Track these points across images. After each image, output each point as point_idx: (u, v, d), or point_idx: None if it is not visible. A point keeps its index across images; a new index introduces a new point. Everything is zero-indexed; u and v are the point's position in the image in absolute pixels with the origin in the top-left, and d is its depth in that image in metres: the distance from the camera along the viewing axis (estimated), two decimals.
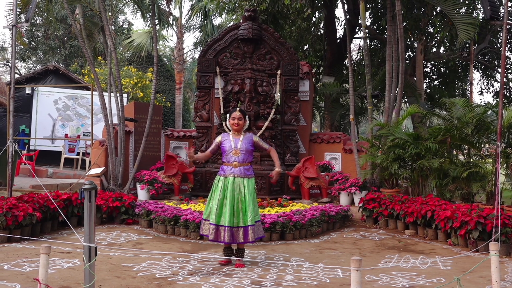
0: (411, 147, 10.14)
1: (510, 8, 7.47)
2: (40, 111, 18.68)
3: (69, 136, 18.65)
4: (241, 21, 13.05)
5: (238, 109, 6.27)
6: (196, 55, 29.60)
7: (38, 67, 28.00)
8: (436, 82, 21.04)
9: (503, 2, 12.47)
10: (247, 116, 6.33)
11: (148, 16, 16.22)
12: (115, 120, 12.09)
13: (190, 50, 35.11)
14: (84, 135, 18.83)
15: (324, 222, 8.61)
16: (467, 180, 9.30)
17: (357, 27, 17.89)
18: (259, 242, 7.56)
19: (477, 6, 16.07)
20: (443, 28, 14.60)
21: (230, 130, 6.42)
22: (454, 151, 11.04)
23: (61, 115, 19.03)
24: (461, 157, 10.92)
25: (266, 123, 11.86)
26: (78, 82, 19.75)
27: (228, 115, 6.36)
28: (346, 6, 14.69)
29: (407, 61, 16.78)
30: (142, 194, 11.39)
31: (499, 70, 19.23)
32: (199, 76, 12.63)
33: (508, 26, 15.27)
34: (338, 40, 18.49)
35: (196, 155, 6.72)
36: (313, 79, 15.14)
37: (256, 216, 6.10)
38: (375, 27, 18.21)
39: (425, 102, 17.86)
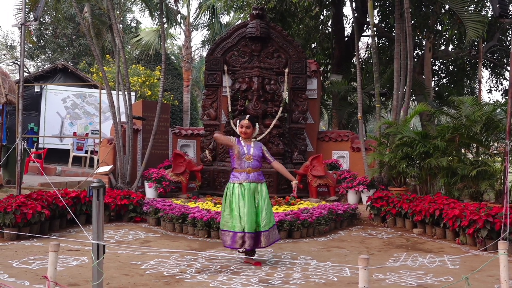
0: (419, 146, 10.10)
1: None
2: (49, 109, 18.75)
3: (77, 134, 18.71)
4: (249, 19, 13.06)
5: (247, 116, 6.27)
6: (204, 54, 29.60)
7: (46, 66, 28.10)
8: (444, 80, 20.94)
9: None
10: (256, 124, 6.33)
11: (156, 14, 16.25)
12: (123, 118, 12.12)
13: (198, 49, 35.11)
14: (92, 133, 18.89)
15: (332, 221, 8.61)
16: (475, 178, 9.25)
17: (365, 25, 17.82)
18: None
19: (486, 3, 15.96)
20: (452, 26, 14.52)
21: (239, 134, 6.38)
22: (462, 149, 10.98)
23: (70, 114, 19.10)
24: (470, 156, 10.87)
25: (274, 122, 11.86)
26: (87, 80, 19.81)
27: (237, 121, 6.36)
28: (354, 4, 14.63)
29: (415, 59, 16.70)
30: (150, 192, 11.41)
31: (508, 68, 19.12)
32: (207, 75, 12.64)
33: None
34: (346, 38, 18.44)
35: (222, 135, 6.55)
36: (321, 77, 15.12)
37: (270, 222, 6.07)
38: (383, 25, 18.13)
39: (434, 100, 17.79)
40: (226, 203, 6.08)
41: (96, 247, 3.88)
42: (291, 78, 12.37)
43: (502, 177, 8.67)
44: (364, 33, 19.11)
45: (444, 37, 17.64)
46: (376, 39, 14.18)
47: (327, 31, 18.42)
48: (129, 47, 26.50)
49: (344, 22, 18.82)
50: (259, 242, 6.00)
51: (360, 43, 20.23)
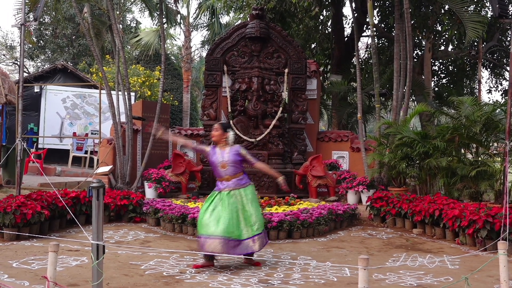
0: (419, 146, 10.10)
1: None
2: (49, 109, 18.75)
3: (77, 135, 18.71)
4: (248, 19, 13.06)
5: (219, 122, 6.18)
6: (204, 54, 29.57)
7: (46, 66, 28.09)
8: (444, 81, 20.94)
9: None
10: (228, 129, 6.16)
11: (156, 14, 16.26)
12: (123, 118, 12.13)
13: (197, 49, 35.10)
14: (92, 133, 18.89)
15: (332, 221, 8.61)
16: (475, 179, 9.25)
17: (365, 26, 17.82)
18: None
19: (486, 4, 15.96)
20: (452, 26, 14.52)
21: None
22: (462, 149, 10.98)
23: (69, 114, 19.10)
24: (469, 156, 10.87)
25: (274, 122, 11.86)
26: (86, 80, 19.81)
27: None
28: (353, 4, 14.63)
29: (415, 60, 16.70)
30: (149, 193, 11.42)
31: (508, 68, 19.12)
32: (207, 75, 12.64)
33: None
34: (346, 39, 18.44)
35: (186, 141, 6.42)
36: (321, 77, 15.13)
37: (262, 225, 6.00)
38: (383, 25, 18.13)
39: (433, 100, 17.78)
40: (203, 209, 6.01)
41: (96, 247, 3.89)
42: (290, 78, 12.37)
43: (502, 177, 8.67)
44: (364, 33, 19.11)
45: (443, 37, 17.63)
46: (375, 39, 14.19)
47: (326, 31, 18.42)
48: (129, 47, 26.49)
49: (344, 22, 18.83)
50: (249, 247, 5.83)
51: (359, 43, 20.26)
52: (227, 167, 5.97)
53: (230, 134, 6.14)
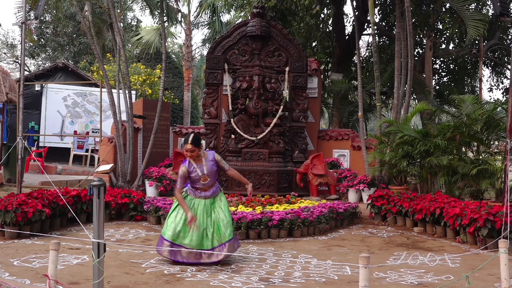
0: (419, 144, 10.10)
1: None
2: (49, 108, 18.75)
3: (78, 133, 18.72)
4: (249, 18, 13.04)
5: (190, 138, 5.89)
6: (205, 52, 29.62)
7: (47, 64, 28.10)
8: (445, 79, 20.91)
9: None
10: (201, 142, 5.98)
11: (157, 13, 16.23)
12: (124, 117, 12.13)
13: (198, 47, 35.16)
14: (93, 132, 18.90)
15: (332, 219, 8.61)
16: (476, 177, 9.25)
17: (366, 24, 17.80)
18: (267, 239, 7.59)
19: (487, 2, 15.96)
20: (453, 25, 14.50)
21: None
22: (463, 148, 10.97)
23: (70, 112, 19.11)
24: (470, 154, 10.86)
25: (274, 120, 11.86)
26: (87, 79, 19.81)
27: (183, 140, 6.08)
28: (354, 3, 14.60)
29: (416, 58, 16.69)
30: (150, 191, 11.42)
31: (509, 66, 19.13)
32: (208, 73, 12.63)
33: None
34: (347, 37, 18.42)
35: (185, 207, 6.02)
36: (322, 76, 15.10)
37: (232, 231, 5.96)
38: (383, 23, 18.11)
39: (434, 99, 17.77)
40: (172, 210, 6.01)
41: (97, 246, 3.89)
42: (291, 77, 12.36)
43: (503, 175, 8.67)
44: (365, 32, 19.08)
45: (444, 36, 17.62)
46: (376, 37, 14.15)
47: (327, 30, 18.39)
48: (130, 45, 26.49)
49: (345, 20, 18.81)
50: (213, 256, 5.83)
51: (360, 42, 20.25)
52: (208, 179, 5.97)
53: (204, 143, 6.07)
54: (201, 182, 5.96)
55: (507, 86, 20.42)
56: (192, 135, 5.93)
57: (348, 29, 19.13)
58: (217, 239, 5.87)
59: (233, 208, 8.37)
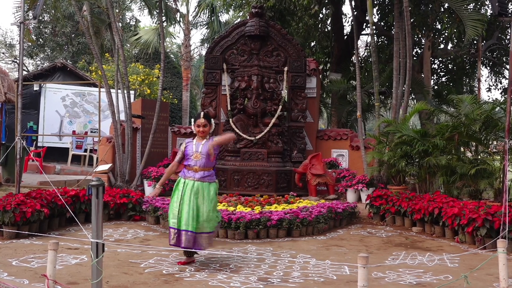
0: (418, 144, 10.10)
1: None
2: (48, 108, 18.75)
3: (76, 133, 18.71)
4: (248, 17, 13.03)
5: (202, 114, 6.01)
6: (203, 52, 29.59)
7: (45, 64, 28.08)
8: (443, 79, 20.92)
9: None
10: (212, 120, 6.08)
11: (155, 13, 16.22)
12: (122, 117, 12.12)
13: (197, 47, 35.18)
14: (91, 131, 18.89)
15: (331, 219, 8.61)
16: (474, 177, 9.25)
17: (365, 24, 17.82)
18: (266, 239, 7.59)
19: (485, 2, 15.94)
20: (451, 25, 14.51)
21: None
22: (461, 148, 10.98)
23: (69, 112, 19.10)
24: (469, 154, 10.86)
25: (273, 120, 11.85)
26: (86, 79, 19.81)
27: (193, 120, 6.16)
28: (353, 3, 14.61)
29: (414, 58, 16.70)
30: (149, 191, 11.42)
31: (507, 66, 19.10)
32: (206, 73, 12.63)
33: None
34: (345, 37, 18.43)
35: (161, 180, 6.27)
36: (320, 75, 15.10)
37: (213, 225, 5.95)
38: (382, 23, 18.12)
39: (433, 99, 17.78)
40: (172, 197, 6.02)
41: (95, 246, 3.89)
42: (290, 77, 12.36)
43: (501, 175, 8.67)
44: (364, 32, 19.10)
45: (443, 36, 17.63)
46: (375, 37, 14.20)
47: (326, 30, 18.39)
48: (128, 45, 26.48)
49: (344, 20, 18.80)
50: (198, 243, 5.82)
51: (359, 42, 20.27)
52: (200, 158, 5.91)
53: (213, 123, 6.12)
54: (193, 158, 5.92)
55: (506, 86, 20.41)
56: (202, 112, 6.01)
57: (347, 29, 19.17)
58: (202, 226, 5.82)
59: (231, 208, 8.37)
